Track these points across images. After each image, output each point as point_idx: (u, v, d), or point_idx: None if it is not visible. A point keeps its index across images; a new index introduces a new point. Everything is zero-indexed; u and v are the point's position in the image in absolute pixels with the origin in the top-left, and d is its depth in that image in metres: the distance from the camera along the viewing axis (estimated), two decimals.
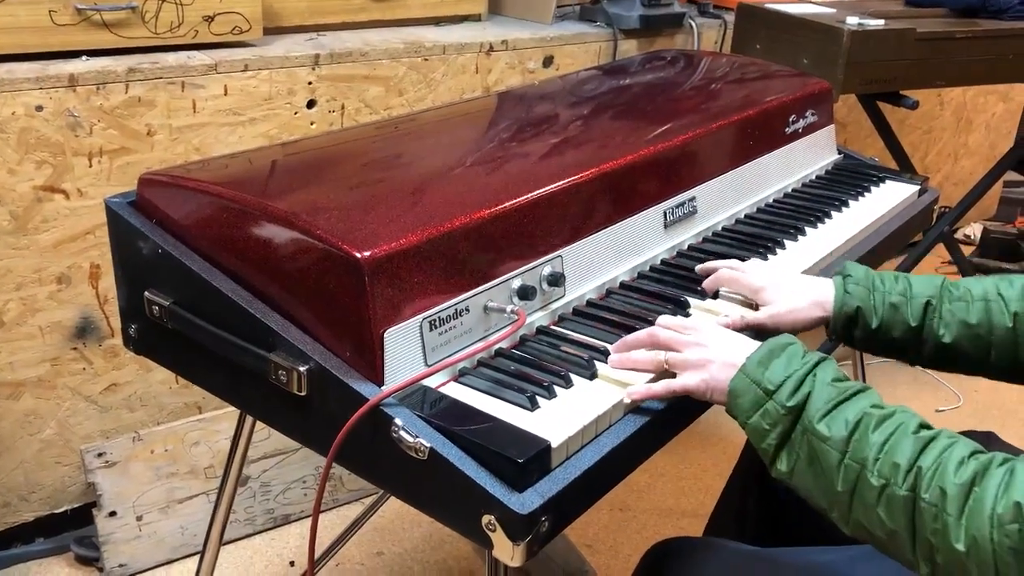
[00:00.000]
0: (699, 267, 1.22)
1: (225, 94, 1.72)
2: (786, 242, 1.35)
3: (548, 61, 2.14)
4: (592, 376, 0.99)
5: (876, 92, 2.20)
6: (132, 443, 1.76)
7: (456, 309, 0.98)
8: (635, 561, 1.15)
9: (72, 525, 1.83)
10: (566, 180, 1.13)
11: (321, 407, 0.94)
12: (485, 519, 0.83)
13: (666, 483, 2.15)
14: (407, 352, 0.93)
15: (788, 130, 1.58)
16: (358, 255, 0.89)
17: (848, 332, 1.11)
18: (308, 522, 2.03)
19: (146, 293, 1.06)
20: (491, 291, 1.02)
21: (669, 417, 1.00)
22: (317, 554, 1.71)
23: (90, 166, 1.62)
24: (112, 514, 1.75)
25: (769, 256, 1.31)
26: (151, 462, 1.78)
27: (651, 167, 1.26)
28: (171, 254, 1.02)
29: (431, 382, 0.95)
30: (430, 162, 1.20)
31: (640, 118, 1.42)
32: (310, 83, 1.81)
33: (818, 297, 1.11)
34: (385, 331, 0.91)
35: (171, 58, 1.67)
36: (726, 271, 1.17)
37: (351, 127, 1.81)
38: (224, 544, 1.87)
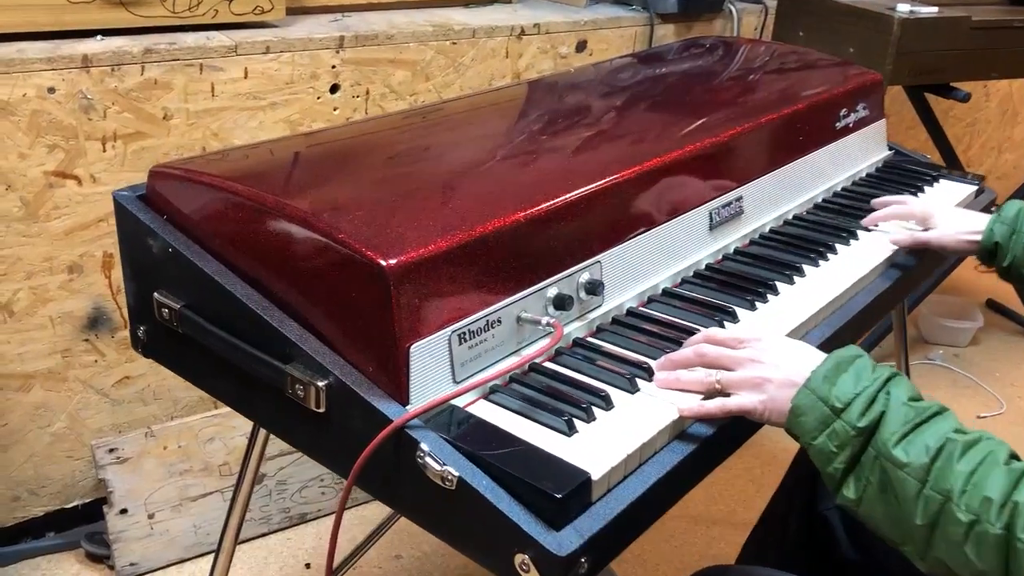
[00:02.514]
0: (875, 201, 1.39)
1: (245, 77, 1.64)
2: (838, 246, 1.26)
3: (581, 46, 2.04)
4: (634, 395, 0.91)
5: (925, 84, 2.10)
6: (144, 439, 1.70)
7: (488, 321, 0.90)
8: (663, 571, 1.07)
9: (83, 520, 1.78)
10: (606, 179, 1.05)
11: (341, 426, 0.87)
12: (518, 559, 0.75)
13: (696, 488, 2.06)
14: (435, 368, 0.85)
15: (838, 125, 1.49)
16: (383, 263, 0.82)
17: (992, 262, 1.25)
18: (325, 521, 1.97)
19: (156, 295, 0.99)
20: (525, 300, 0.94)
21: (718, 441, 0.92)
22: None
23: (104, 151, 1.56)
24: (123, 511, 1.69)
25: (820, 262, 1.22)
26: (164, 458, 1.72)
27: (696, 164, 1.18)
28: (182, 254, 0.95)
29: (459, 401, 0.87)
30: (459, 157, 1.12)
31: (681, 111, 1.34)
32: (334, 67, 1.73)
33: (975, 227, 1.26)
34: (412, 345, 0.83)
35: (189, 39, 1.59)
36: (895, 207, 1.35)
37: (376, 116, 1.73)
38: (238, 543, 1.82)
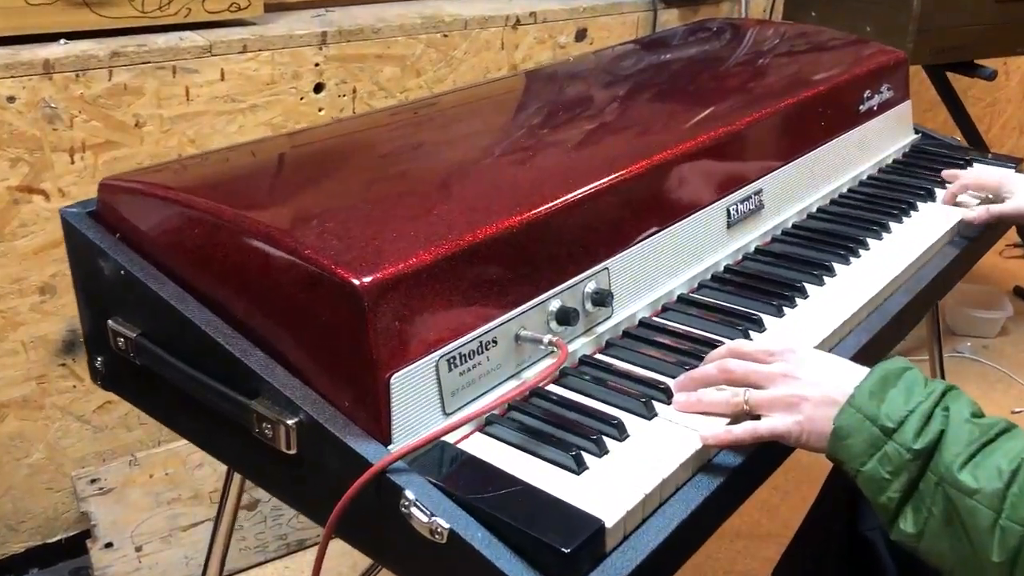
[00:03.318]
0: (944, 173, 1.33)
1: (222, 79, 1.53)
2: (869, 240, 1.15)
3: (581, 35, 1.93)
4: (651, 421, 0.80)
5: (948, 62, 1.97)
6: (128, 467, 1.60)
7: (481, 342, 0.79)
8: None
9: (68, 555, 1.67)
10: (612, 175, 0.94)
11: (315, 469, 0.76)
12: None
13: None
14: (421, 399, 0.74)
15: (862, 108, 1.37)
16: (356, 281, 0.71)
17: None
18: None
19: (110, 322, 0.88)
20: (524, 317, 0.83)
21: (748, 470, 0.80)
22: None
23: (72, 163, 1.45)
24: (108, 545, 1.59)
25: (851, 259, 1.10)
26: (150, 487, 1.61)
27: (711, 156, 1.06)
28: (136, 276, 0.84)
29: (450, 436, 0.76)
30: (448, 157, 1.01)
31: (691, 99, 1.22)
32: (317, 64, 1.62)
33: None
34: (392, 375, 0.72)
35: (160, 40, 1.48)
36: (967, 177, 1.28)
37: (361, 114, 1.62)
38: (233, 574, 1.72)
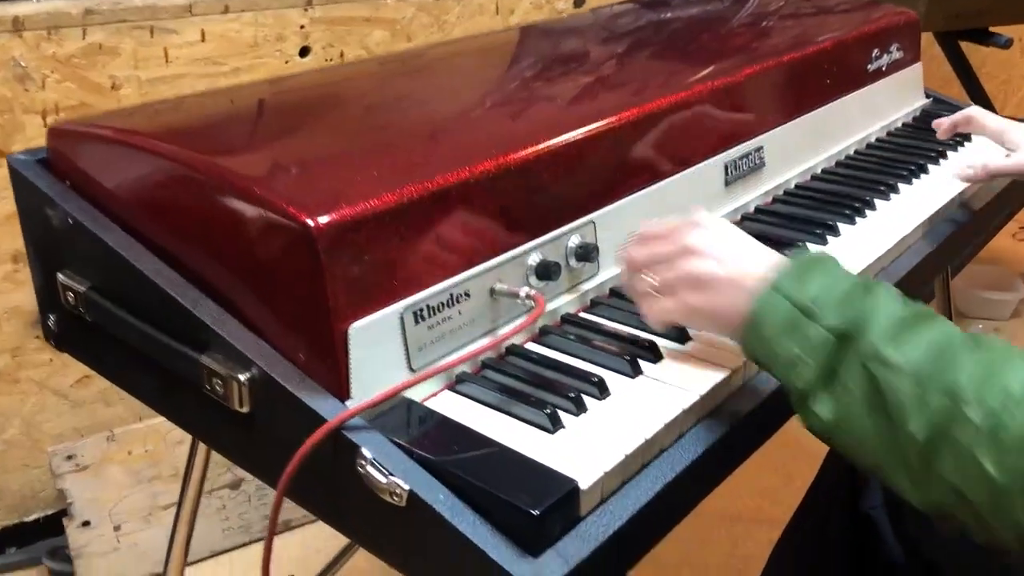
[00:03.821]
0: (936, 122, 1.19)
1: (203, 40, 1.47)
2: (876, 201, 1.08)
3: (581, 0, 1.86)
4: (635, 379, 0.74)
5: (961, 29, 1.90)
6: (106, 443, 1.54)
7: (452, 294, 0.73)
8: (684, 574, 0.90)
9: (46, 535, 1.62)
10: (600, 123, 0.87)
11: (269, 428, 0.70)
12: None
13: (732, 481, 1.89)
14: (383, 353, 0.68)
15: (871, 67, 1.30)
16: (309, 221, 0.64)
17: None
18: (312, 528, 1.81)
19: (59, 275, 0.82)
20: (500, 269, 0.76)
21: (743, 432, 0.74)
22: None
23: (45, 125, 1.39)
24: (85, 524, 1.54)
25: (857, 218, 1.04)
26: (129, 464, 1.56)
27: (708, 109, 1.00)
28: (84, 225, 0.78)
29: (416, 392, 0.70)
30: (430, 105, 0.95)
31: (691, 54, 1.16)
32: (302, 27, 1.56)
33: None
34: (350, 326, 0.66)
35: None
36: (965, 113, 1.13)
37: (344, 64, 1.55)
38: (217, 555, 1.66)
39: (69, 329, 0.87)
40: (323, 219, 0.65)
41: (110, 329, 0.79)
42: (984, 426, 0.57)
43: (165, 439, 1.58)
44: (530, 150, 0.80)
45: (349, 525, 0.68)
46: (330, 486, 0.66)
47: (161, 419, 1.55)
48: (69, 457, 1.52)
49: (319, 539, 1.68)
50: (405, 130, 0.86)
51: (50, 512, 1.61)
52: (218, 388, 0.70)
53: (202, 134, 0.82)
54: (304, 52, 1.58)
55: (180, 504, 1.03)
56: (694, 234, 0.74)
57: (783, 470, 1.90)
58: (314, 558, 1.63)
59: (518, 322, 0.76)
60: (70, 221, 0.79)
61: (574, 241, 0.83)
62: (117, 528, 1.56)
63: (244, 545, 1.68)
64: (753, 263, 0.70)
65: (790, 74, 1.13)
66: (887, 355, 0.61)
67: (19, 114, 1.37)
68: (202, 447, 1.00)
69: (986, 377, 0.58)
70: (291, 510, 1.69)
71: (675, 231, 0.75)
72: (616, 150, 0.89)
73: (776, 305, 0.66)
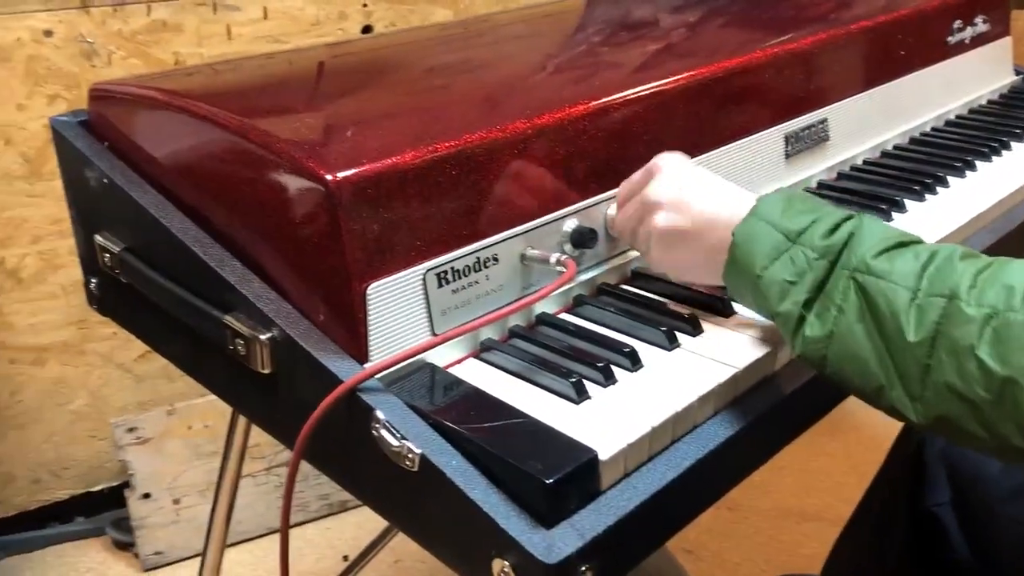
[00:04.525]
0: None
1: (265, 18, 1.48)
2: (949, 178, 1.01)
3: None
4: (671, 352, 0.70)
5: None
6: (167, 417, 1.56)
7: (479, 258, 0.70)
8: (745, 571, 0.86)
9: (110, 505, 1.66)
10: (650, 85, 0.84)
11: (290, 390, 0.68)
12: (497, 565, 0.55)
13: (786, 477, 1.82)
14: (404, 316, 0.66)
15: (951, 39, 1.23)
16: (328, 176, 0.62)
17: None
18: (367, 511, 1.80)
19: (97, 237, 0.82)
20: (532, 234, 0.73)
21: (785, 413, 0.70)
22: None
23: None
24: (146, 496, 1.56)
25: (927, 195, 0.97)
26: (189, 439, 1.58)
27: (768, 76, 0.95)
28: (118, 185, 0.78)
29: (439, 358, 0.67)
30: (478, 69, 0.93)
31: (762, 23, 1.11)
32: (364, 5, 1.55)
33: None
34: (370, 285, 0.64)
35: None
36: None
37: (401, 30, 1.53)
38: (273, 533, 1.67)
39: (108, 292, 0.87)
40: (341, 174, 0.63)
41: (142, 290, 0.79)
42: (984, 322, 0.55)
43: (224, 415, 1.59)
44: (570, 110, 0.77)
45: (364, 490, 0.66)
46: (346, 449, 0.64)
47: None
48: (131, 430, 1.54)
49: (374, 520, 1.66)
50: (445, 93, 0.83)
51: (114, 484, 1.65)
52: (240, 349, 0.69)
53: (236, 94, 0.81)
54: (367, 31, 1.57)
55: (221, 476, 1.02)
56: (651, 186, 0.72)
57: (859, 468, 1.82)
58: (368, 540, 1.62)
59: (545, 288, 0.73)
60: (105, 181, 0.79)
61: (614, 210, 0.79)
62: (176, 501, 1.58)
63: (300, 524, 1.69)
64: (717, 204, 0.69)
65: (859, 44, 1.07)
66: (879, 268, 0.60)
67: (86, 90, 1.39)
68: (242, 419, 1.00)
69: (986, 279, 0.57)
70: (345, 492, 1.69)
71: (636, 185, 0.74)
72: (663, 116, 0.85)
73: (759, 232, 0.64)
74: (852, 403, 0.77)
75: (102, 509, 1.66)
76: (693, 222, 0.69)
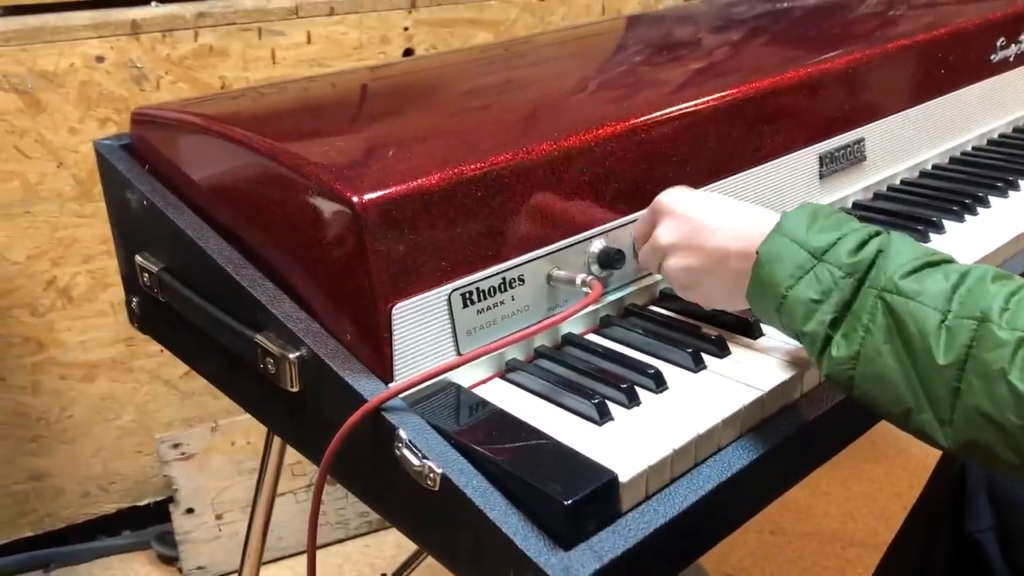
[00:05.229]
0: None
1: (308, 42, 1.51)
2: (991, 198, 1.00)
3: None
4: (697, 374, 0.70)
5: None
6: (210, 433, 1.59)
7: (505, 279, 0.71)
8: None
9: (155, 520, 1.69)
10: (683, 105, 0.84)
11: (317, 408, 0.69)
12: None
13: (830, 502, 1.79)
14: (429, 336, 0.67)
15: (994, 57, 1.21)
16: (354, 198, 0.64)
17: None
18: None
19: (137, 257, 0.85)
20: (559, 255, 0.74)
21: (813, 436, 0.69)
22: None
23: None
24: (189, 511, 1.59)
25: (967, 216, 0.96)
26: (232, 455, 1.60)
27: (801, 96, 0.94)
28: (157, 206, 0.80)
29: (465, 378, 0.68)
30: (512, 91, 0.94)
31: (797, 42, 1.10)
32: (406, 28, 1.58)
33: None
34: (394, 305, 0.65)
35: (247, 2, 1.47)
36: None
37: (439, 52, 1.55)
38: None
39: (148, 311, 0.89)
40: (368, 196, 0.64)
41: (179, 309, 0.81)
42: (1017, 346, 0.53)
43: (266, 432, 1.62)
44: (595, 133, 0.77)
45: (388, 508, 0.66)
46: (371, 468, 0.65)
47: None
48: (175, 445, 1.57)
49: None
50: (477, 115, 0.84)
51: (159, 498, 1.68)
52: (271, 368, 0.70)
53: (271, 118, 0.83)
54: (408, 54, 1.59)
55: (257, 492, 1.04)
56: (660, 231, 0.72)
57: (902, 494, 1.78)
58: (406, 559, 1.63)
59: (570, 308, 0.73)
60: (145, 203, 0.82)
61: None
62: (219, 517, 1.60)
63: (340, 541, 1.70)
64: (727, 236, 0.68)
65: (896, 64, 1.06)
66: (908, 288, 0.59)
67: None
68: (274, 451, 1.02)
69: (1019, 301, 0.55)
70: None
71: (646, 227, 0.75)
72: (693, 137, 0.85)
73: (783, 250, 0.63)
74: (894, 428, 0.76)
75: (148, 523, 1.69)
76: (707, 259, 0.69)
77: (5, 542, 1.59)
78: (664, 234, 0.71)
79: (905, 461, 1.86)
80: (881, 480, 1.84)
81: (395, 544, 1.70)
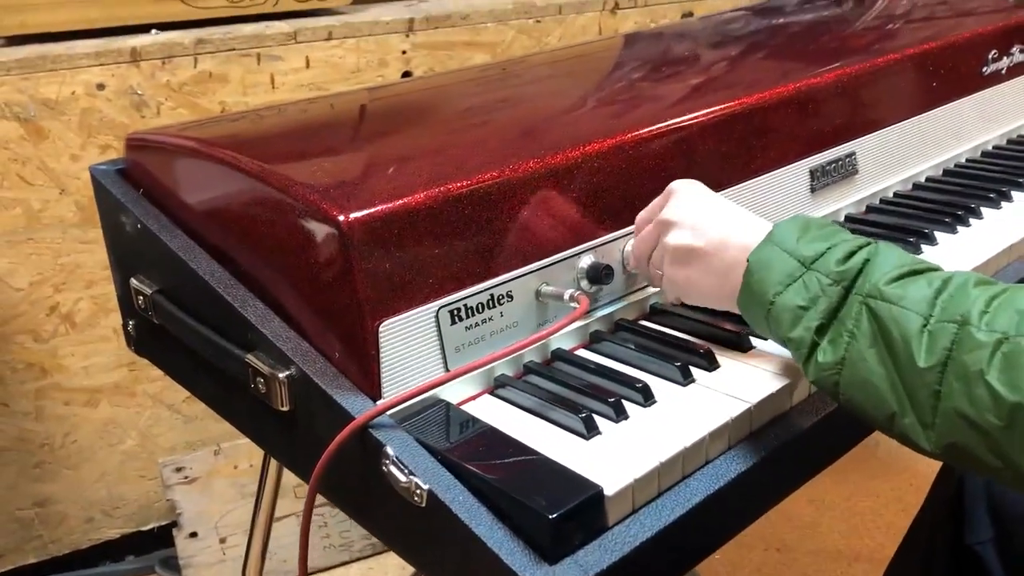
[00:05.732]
0: None
1: (307, 67, 1.53)
2: (984, 209, 1.00)
3: (687, 17, 1.83)
4: (685, 387, 0.70)
5: None
6: (213, 457, 1.60)
7: (493, 295, 0.71)
8: None
9: (160, 544, 1.69)
10: (670, 121, 0.84)
11: (307, 427, 0.70)
12: None
13: (835, 518, 1.78)
14: (417, 353, 0.67)
15: (986, 70, 1.21)
16: (341, 217, 0.64)
17: None
18: None
19: (132, 280, 0.85)
20: (547, 271, 0.74)
21: (804, 448, 0.69)
22: None
23: None
24: (193, 535, 1.59)
25: (959, 227, 0.96)
26: (235, 478, 1.61)
27: (791, 111, 0.95)
28: (150, 229, 0.81)
29: (454, 395, 0.68)
30: (500, 110, 0.94)
31: (792, 57, 1.11)
32: (404, 52, 1.59)
33: None
34: (381, 323, 0.65)
35: (246, 28, 1.49)
36: None
37: (433, 75, 1.56)
38: (318, 572, 1.68)
39: (143, 333, 0.90)
40: (354, 215, 0.64)
41: (173, 331, 0.81)
42: (995, 347, 0.54)
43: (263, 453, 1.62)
44: (582, 150, 0.78)
45: (378, 526, 0.66)
46: (360, 485, 0.65)
47: None
48: (178, 469, 1.58)
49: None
50: (466, 133, 0.85)
51: (164, 523, 1.68)
52: (261, 387, 0.70)
53: (261, 140, 0.84)
54: (406, 76, 1.61)
55: (255, 514, 1.04)
56: (668, 207, 0.73)
57: (908, 510, 1.76)
58: None
59: (558, 323, 0.73)
60: (138, 226, 0.83)
61: (631, 245, 0.80)
62: (223, 540, 1.60)
63: (344, 564, 1.70)
64: (730, 227, 0.69)
65: (887, 78, 1.06)
66: (892, 293, 0.59)
67: None
68: (271, 474, 1.02)
69: (999, 304, 0.56)
70: None
71: (653, 208, 0.75)
72: (681, 152, 0.85)
73: (774, 258, 0.64)
74: (899, 444, 0.76)
75: (152, 548, 1.69)
76: (707, 241, 0.69)
77: (10, 568, 1.59)
78: (672, 209, 0.72)
79: (911, 477, 1.85)
80: (887, 495, 1.83)
81: (399, 567, 1.70)
